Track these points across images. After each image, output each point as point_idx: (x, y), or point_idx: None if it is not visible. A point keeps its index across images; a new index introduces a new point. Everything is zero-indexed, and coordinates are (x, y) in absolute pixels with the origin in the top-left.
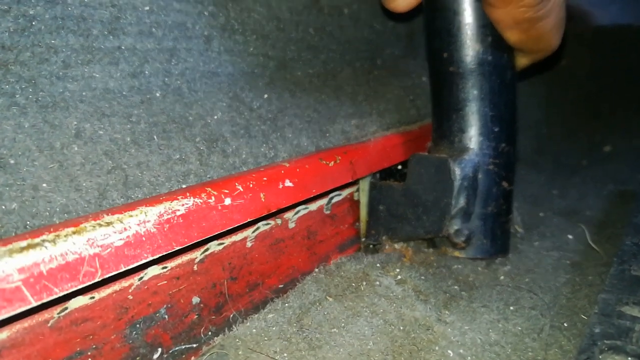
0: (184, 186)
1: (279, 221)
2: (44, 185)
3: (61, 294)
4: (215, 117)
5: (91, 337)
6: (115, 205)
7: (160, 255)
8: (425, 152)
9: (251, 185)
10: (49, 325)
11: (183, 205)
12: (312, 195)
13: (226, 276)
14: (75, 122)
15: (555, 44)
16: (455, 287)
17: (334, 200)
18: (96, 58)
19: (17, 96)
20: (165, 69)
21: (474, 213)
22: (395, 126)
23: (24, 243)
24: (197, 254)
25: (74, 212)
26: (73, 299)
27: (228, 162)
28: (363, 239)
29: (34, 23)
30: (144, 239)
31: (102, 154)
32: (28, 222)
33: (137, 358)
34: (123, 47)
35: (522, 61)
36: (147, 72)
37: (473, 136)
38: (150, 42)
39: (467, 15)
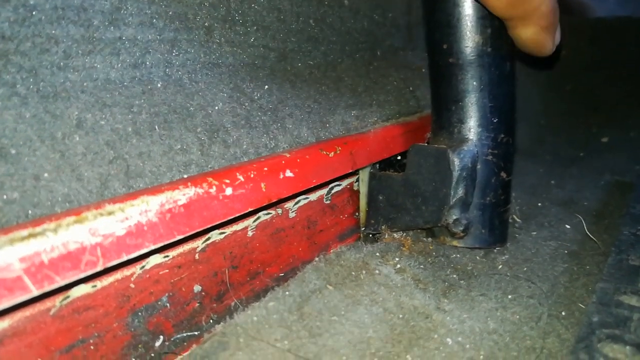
0: (185, 176)
1: (279, 211)
2: (46, 175)
3: (63, 283)
4: (216, 107)
5: (93, 325)
6: (117, 195)
7: (162, 244)
8: (424, 142)
9: (252, 175)
10: (51, 313)
11: (184, 194)
12: (312, 186)
13: (227, 265)
14: (77, 112)
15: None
16: (454, 276)
17: (334, 190)
18: (97, 48)
19: (18, 86)
20: (166, 60)
21: (472, 203)
22: (394, 117)
23: (25, 232)
24: (198, 243)
25: (76, 202)
26: (75, 288)
27: (229, 152)
28: (363, 229)
29: (34, 13)
30: (145, 228)
31: (104, 144)
32: (30, 212)
33: (139, 346)
34: (124, 38)
35: (524, 32)
36: (148, 63)
37: (472, 127)
38: (151, 33)
39: (467, 7)
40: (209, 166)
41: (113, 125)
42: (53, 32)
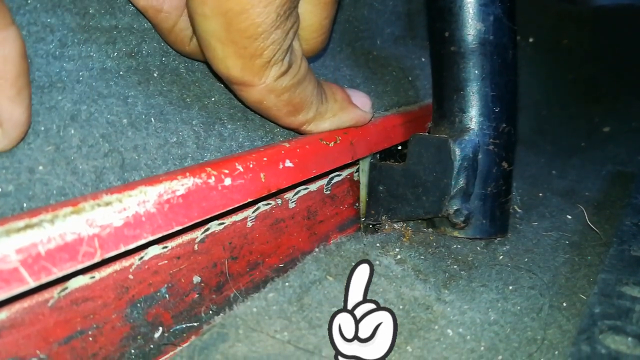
0: None
1: (279, 201)
2: (40, 167)
3: (60, 274)
4: (213, 99)
5: (92, 316)
6: None
7: (161, 235)
8: (425, 132)
9: (251, 166)
10: (49, 305)
11: (183, 185)
12: (312, 176)
13: (227, 256)
14: (71, 104)
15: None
16: (455, 266)
17: (334, 181)
18: (93, 37)
19: None
20: (162, 49)
21: (473, 193)
22: (394, 107)
23: (21, 223)
24: (197, 234)
25: (71, 195)
26: (73, 279)
27: (225, 145)
28: (363, 219)
29: (29, 1)
30: (143, 219)
31: (99, 136)
32: (25, 205)
33: (138, 337)
34: (120, 27)
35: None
36: (144, 52)
37: (473, 116)
38: (147, 22)
39: None
40: (205, 159)
41: (108, 118)
42: (48, 20)
